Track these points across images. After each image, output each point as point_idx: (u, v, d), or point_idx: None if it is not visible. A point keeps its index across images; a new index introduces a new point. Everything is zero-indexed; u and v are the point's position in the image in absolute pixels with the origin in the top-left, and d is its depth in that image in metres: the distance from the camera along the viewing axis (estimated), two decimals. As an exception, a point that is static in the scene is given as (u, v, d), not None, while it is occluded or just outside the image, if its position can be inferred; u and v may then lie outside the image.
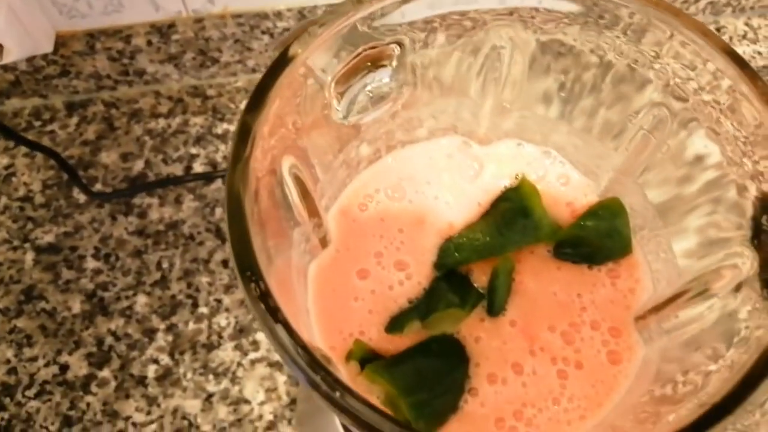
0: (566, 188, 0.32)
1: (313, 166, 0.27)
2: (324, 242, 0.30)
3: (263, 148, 0.22)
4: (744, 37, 0.76)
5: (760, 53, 0.75)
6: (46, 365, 0.55)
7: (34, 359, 0.55)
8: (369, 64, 0.27)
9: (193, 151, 0.64)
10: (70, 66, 0.63)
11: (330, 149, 0.29)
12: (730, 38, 0.75)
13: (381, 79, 0.28)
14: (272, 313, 0.19)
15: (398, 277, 0.30)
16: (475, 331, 0.29)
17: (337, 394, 0.18)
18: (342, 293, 0.29)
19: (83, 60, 0.63)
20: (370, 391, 0.26)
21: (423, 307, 0.29)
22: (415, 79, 0.29)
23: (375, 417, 0.17)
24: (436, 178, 0.33)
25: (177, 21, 0.61)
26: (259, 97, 0.22)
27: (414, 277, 0.30)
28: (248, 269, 0.20)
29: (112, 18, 0.60)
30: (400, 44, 0.27)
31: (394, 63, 0.27)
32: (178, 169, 0.63)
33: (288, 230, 0.26)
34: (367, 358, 0.27)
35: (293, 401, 0.54)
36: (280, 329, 0.19)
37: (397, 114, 0.30)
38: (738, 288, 0.23)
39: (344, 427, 0.46)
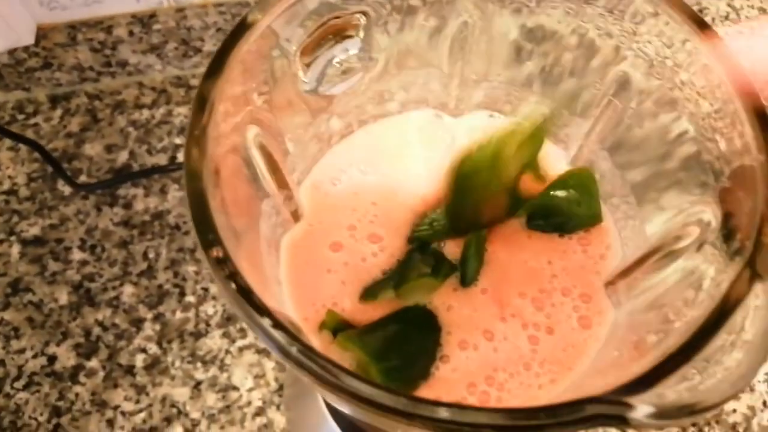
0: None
1: (282, 138, 0.27)
2: (296, 216, 0.30)
3: (225, 116, 0.22)
4: (726, 17, 0.76)
5: (742, 33, 0.75)
6: (34, 357, 0.55)
7: (21, 351, 0.55)
8: (335, 34, 0.27)
9: (178, 141, 0.64)
10: (53, 58, 0.63)
11: (300, 122, 0.29)
12: (713, 19, 0.75)
13: (348, 50, 0.28)
14: (231, 277, 0.20)
15: (372, 249, 0.30)
16: (447, 300, 0.29)
17: (294, 349, 0.18)
18: (315, 266, 0.29)
19: (65, 52, 0.63)
20: (342, 359, 0.26)
21: (396, 278, 0.29)
22: (384, 50, 0.29)
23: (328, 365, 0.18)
24: (409, 151, 0.33)
25: (158, 11, 0.62)
26: (216, 64, 0.22)
27: (387, 249, 0.31)
28: (207, 232, 0.20)
29: (93, 9, 0.60)
30: (365, 14, 0.27)
31: (361, 34, 0.27)
32: (162, 160, 0.63)
33: (256, 201, 0.26)
34: (339, 329, 0.27)
35: (281, 387, 0.54)
36: (233, 286, 0.19)
37: (367, 87, 0.30)
38: (700, 247, 0.23)
39: (329, 407, 0.46)
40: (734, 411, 0.53)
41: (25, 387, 0.53)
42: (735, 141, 0.22)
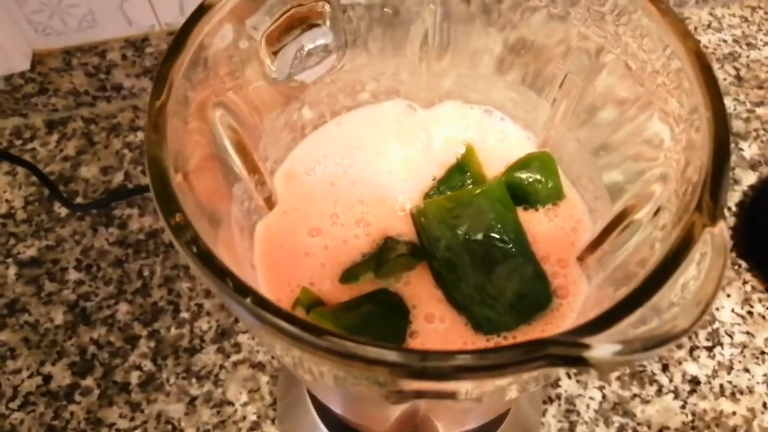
0: (506, 144, 0.33)
1: (253, 123, 0.28)
2: (270, 203, 0.30)
3: (187, 96, 0.23)
4: (708, 26, 0.77)
5: (725, 41, 0.75)
6: (30, 377, 0.55)
7: (17, 371, 0.55)
8: (301, 22, 0.27)
9: (172, 161, 0.65)
10: (48, 83, 0.65)
11: (271, 108, 0.29)
12: (695, 28, 0.76)
13: (316, 39, 0.28)
14: (193, 242, 0.20)
15: (355, 232, 0.31)
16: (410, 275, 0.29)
17: (248, 299, 0.18)
18: (291, 250, 0.29)
19: (60, 77, 0.64)
20: None
21: (376, 259, 0.29)
22: (351, 39, 0.29)
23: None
24: (385, 148, 0.33)
25: (150, 34, 0.63)
26: (175, 45, 0.23)
27: (372, 234, 0.31)
28: (168, 201, 0.20)
29: (87, 34, 0.62)
30: (328, 1, 0.27)
31: (328, 22, 0.28)
32: (157, 180, 0.64)
33: (226, 184, 0.27)
34: (313, 306, 0.28)
35: (276, 401, 0.54)
36: (194, 250, 0.19)
37: (338, 76, 0.31)
38: (657, 212, 0.24)
39: (321, 416, 0.46)
40: (734, 413, 0.53)
41: (21, 407, 0.53)
42: (684, 101, 0.22)
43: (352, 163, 0.33)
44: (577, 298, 0.28)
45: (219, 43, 0.25)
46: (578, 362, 0.17)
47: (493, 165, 0.33)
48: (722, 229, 0.19)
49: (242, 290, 0.19)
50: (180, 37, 0.23)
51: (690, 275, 0.19)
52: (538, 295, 0.28)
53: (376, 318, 0.27)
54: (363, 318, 0.27)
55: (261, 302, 0.18)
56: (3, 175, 0.64)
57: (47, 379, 0.54)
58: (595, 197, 0.30)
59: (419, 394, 0.22)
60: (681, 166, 0.22)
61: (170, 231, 0.20)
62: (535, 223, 0.30)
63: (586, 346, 0.17)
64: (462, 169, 0.33)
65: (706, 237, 0.19)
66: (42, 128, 0.67)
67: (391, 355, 0.18)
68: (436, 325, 0.27)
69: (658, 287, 0.18)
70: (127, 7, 0.61)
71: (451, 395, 0.21)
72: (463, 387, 0.19)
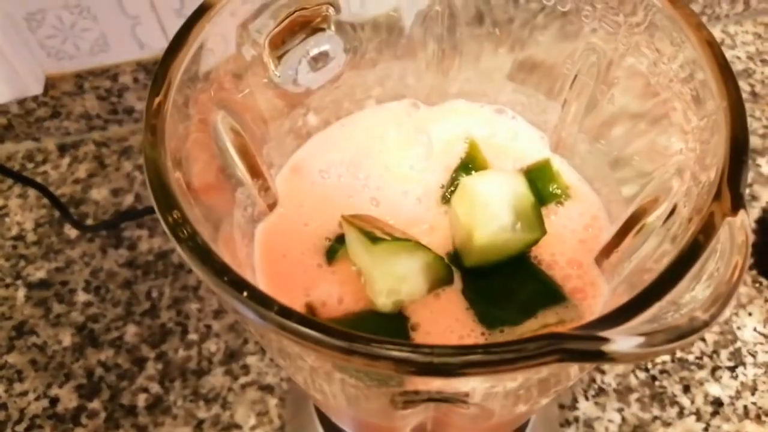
0: (517, 143, 0.32)
1: (256, 127, 0.28)
2: (273, 208, 0.29)
3: (187, 96, 0.22)
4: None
5: (738, 58, 0.75)
6: (36, 399, 0.54)
7: (24, 394, 0.54)
8: (305, 26, 0.27)
9: (182, 182, 0.65)
10: (61, 107, 0.65)
11: (276, 113, 0.29)
12: (710, 45, 0.76)
13: (321, 44, 0.28)
14: (190, 239, 0.19)
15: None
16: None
17: (245, 292, 0.17)
18: (293, 253, 0.29)
19: (73, 100, 0.65)
20: None
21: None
22: (356, 43, 0.29)
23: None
24: (392, 147, 0.32)
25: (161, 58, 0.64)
26: (174, 44, 0.23)
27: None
28: (165, 198, 0.20)
29: (99, 58, 0.62)
30: (332, 5, 0.27)
31: (332, 27, 0.28)
32: (167, 201, 0.64)
33: (229, 187, 0.26)
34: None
35: (284, 425, 0.52)
36: (191, 245, 0.19)
37: (343, 81, 0.30)
38: (673, 210, 0.23)
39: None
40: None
41: (27, 430, 0.53)
42: (698, 93, 0.22)
43: (359, 163, 0.32)
44: (597, 301, 0.27)
45: (221, 44, 0.24)
46: (597, 356, 0.16)
47: (504, 164, 0.32)
48: (743, 219, 0.18)
49: (239, 285, 0.18)
50: (180, 36, 0.23)
51: (711, 267, 0.18)
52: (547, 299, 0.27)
53: (376, 317, 0.26)
54: (361, 319, 0.26)
55: (258, 297, 0.17)
56: (15, 197, 0.65)
57: (54, 401, 0.54)
58: (609, 199, 0.29)
59: (427, 397, 0.21)
60: (698, 159, 0.21)
61: (167, 228, 0.20)
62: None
63: (605, 340, 0.16)
64: (467, 168, 0.32)
65: (725, 227, 0.18)
66: (54, 151, 0.68)
67: (398, 350, 0.17)
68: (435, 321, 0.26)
69: (678, 279, 0.17)
70: (139, 31, 0.61)
71: (461, 397, 0.20)
72: (473, 385, 0.18)
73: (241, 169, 0.26)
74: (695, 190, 0.21)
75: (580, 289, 0.28)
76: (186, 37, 0.23)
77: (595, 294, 0.27)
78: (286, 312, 0.17)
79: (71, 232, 0.62)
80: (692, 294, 0.17)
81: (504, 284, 0.28)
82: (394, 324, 0.27)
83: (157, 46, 0.63)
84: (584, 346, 0.16)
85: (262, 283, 0.27)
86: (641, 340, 0.16)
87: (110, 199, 0.64)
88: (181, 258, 0.59)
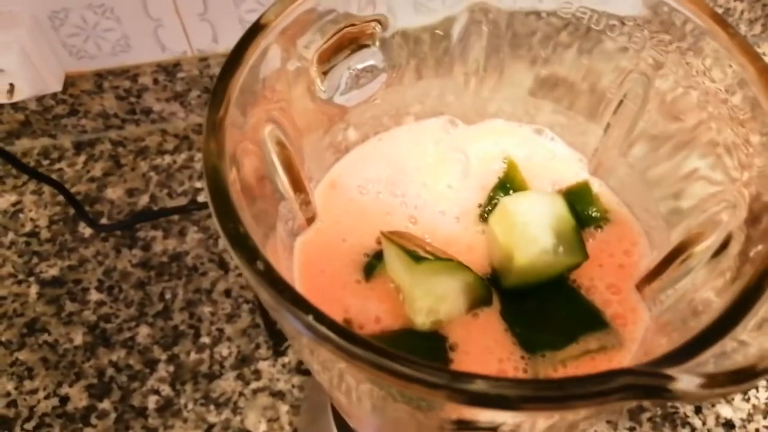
0: (555, 164, 0.32)
1: (298, 141, 0.28)
2: (311, 222, 0.30)
3: (242, 113, 0.23)
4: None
5: None
6: (46, 397, 0.54)
7: (34, 392, 0.54)
8: (351, 42, 0.27)
9: (198, 185, 0.65)
10: (79, 105, 0.65)
11: (317, 127, 0.29)
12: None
13: (365, 60, 0.28)
14: (256, 258, 0.19)
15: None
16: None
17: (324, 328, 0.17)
18: (331, 268, 0.29)
19: (91, 99, 0.65)
20: None
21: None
22: (399, 60, 0.29)
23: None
24: (431, 179, 0.33)
25: (182, 60, 0.64)
26: (231, 62, 0.23)
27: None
28: (228, 216, 0.20)
29: (120, 58, 0.62)
30: (380, 22, 0.27)
31: (377, 43, 0.28)
32: (182, 203, 0.64)
33: (273, 201, 0.26)
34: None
35: (295, 431, 0.52)
36: (259, 267, 0.19)
37: (383, 97, 0.31)
38: (726, 242, 0.23)
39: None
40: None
41: (36, 428, 0.52)
42: (752, 125, 0.22)
43: (397, 180, 0.33)
44: (638, 327, 0.27)
45: (271, 60, 0.25)
46: (662, 394, 0.17)
47: (541, 185, 0.32)
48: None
49: (303, 303, 0.18)
50: (236, 55, 0.23)
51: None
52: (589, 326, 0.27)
53: (414, 336, 0.26)
54: (400, 337, 0.26)
55: (320, 317, 0.18)
56: (29, 194, 0.65)
57: (64, 400, 0.54)
58: (650, 225, 0.30)
59: (469, 426, 0.21)
60: (752, 193, 0.22)
61: (230, 243, 0.20)
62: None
63: (671, 378, 0.17)
64: (505, 187, 0.32)
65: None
66: (70, 149, 0.68)
67: (448, 379, 0.17)
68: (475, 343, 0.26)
69: (742, 316, 0.17)
70: (161, 33, 0.61)
71: (510, 427, 0.20)
72: (530, 419, 0.19)
73: (284, 183, 0.26)
74: (750, 223, 0.21)
75: (621, 315, 0.28)
76: (242, 54, 0.23)
77: (636, 320, 0.27)
78: (362, 343, 0.17)
79: (85, 231, 0.62)
80: (756, 332, 0.17)
81: (543, 307, 0.28)
82: (432, 343, 0.27)
83: (179, 49, 0.63)
84: (650, 383, 0.16)
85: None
86: (704, 380, 0.16)
87: (125, 199, 0.64)
88: (197, 262, 0.59)
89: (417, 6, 0.29)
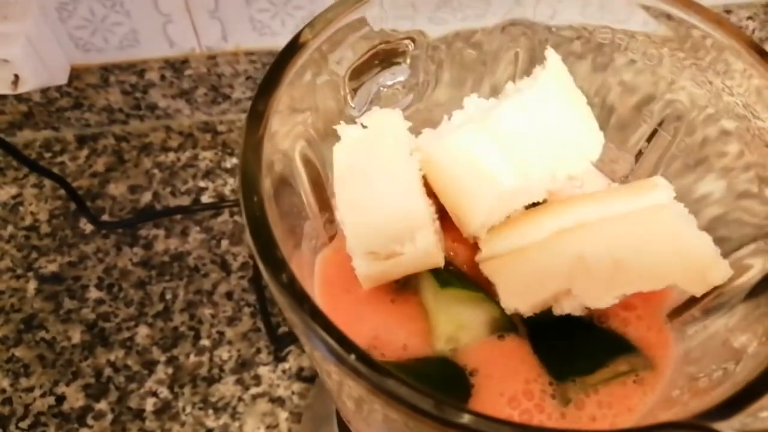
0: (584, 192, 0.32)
1: (326, 158, 0.27)
2: (332, 239, 0.29)
3: (277, 133, 0.22)
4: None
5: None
6: (42, 396, 0.53)
7: (30, 389, 0.53)
8: (382, 60, 0.27)
9: (202, 184, 0.64)
10: (83, 98, 0.64)
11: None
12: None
13: (396, 77, 0.28)
14: (290, 282, 0.19)
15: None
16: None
17: (352, 357, 0.17)
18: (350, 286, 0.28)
19: (96, 93, 0.64)
20: None
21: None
22: (428, 76, 0.29)
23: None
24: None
25: (190, 57, 0.63)
26: (270, 81, 0.22)
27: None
28: (266, 239, 0.19)
29: (127, 53, 0.61)
30: (412, 40, 0.27)
31: (408, 61, 0.28)
32: (185, 202, 0.63)
33: (300, 221, 0.26)
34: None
35: (295, 439, 0.52)
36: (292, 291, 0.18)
37: (411, 115, 0.30)
38: (764, 281, 0.23)
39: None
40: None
41: (31, 427, 0.52)
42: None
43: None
44: (667, 353, 0.26)
45: (306, 78, 0.24)
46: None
47: None
48: None
49: (333, 330, 0.18)
50: (274, 72, 0.23)
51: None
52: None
53: (435, 380, 0.26)
54: (424, 378, 0.26)
55: (346, 344, 0.17)
56: (30, 187, 0.64)
57: (60, 399, 0.53)
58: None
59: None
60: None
61: (264, 265, 0.19)
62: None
63: (715, 432, 0.16)
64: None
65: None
66: (72, 142, 0.67)
67: (475, 422, 0.17)
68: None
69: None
70: (170, 30, 0.60)
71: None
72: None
73: (311, 202, 0.26)
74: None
75: (652, 344, 0.27)
76: (281, 75, 0.23)
77: (664, 345, 0.27)
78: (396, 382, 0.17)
79: (86, 227, 0.61)
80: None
81: (570, 335, 0.27)
82: (452, 371, 0.27)
83: (187, 45, 0.62)
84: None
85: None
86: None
87: (127, 196, 0.63)
88: (198, 263, 0.59)
89: (443, 22, 0.28)
